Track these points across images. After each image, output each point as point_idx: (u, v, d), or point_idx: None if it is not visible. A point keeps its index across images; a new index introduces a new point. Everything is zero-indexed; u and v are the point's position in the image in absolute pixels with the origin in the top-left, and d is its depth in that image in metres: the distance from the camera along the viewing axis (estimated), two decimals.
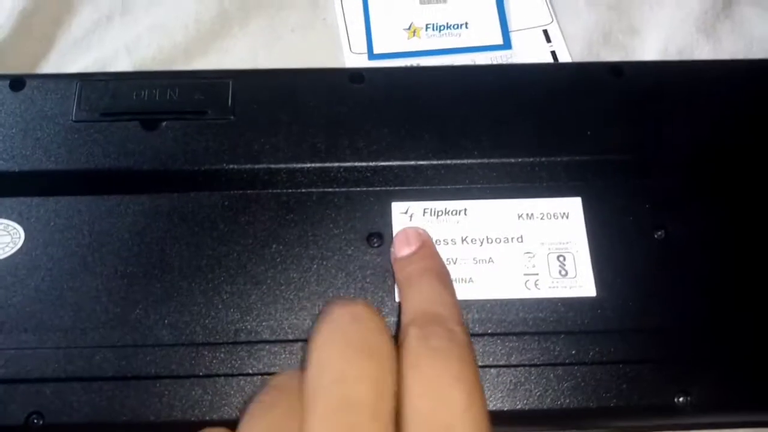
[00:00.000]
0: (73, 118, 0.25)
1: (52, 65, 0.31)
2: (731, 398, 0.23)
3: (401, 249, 0.23)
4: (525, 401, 0.22)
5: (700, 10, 0.31)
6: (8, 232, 0.24)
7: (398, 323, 0.22)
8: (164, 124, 0.25)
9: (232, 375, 0.22)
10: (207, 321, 0.23)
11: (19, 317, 0.23)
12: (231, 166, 0.25)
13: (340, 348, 0.18)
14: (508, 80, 0.27)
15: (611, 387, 0.22)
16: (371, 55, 0.31)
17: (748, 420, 0.24)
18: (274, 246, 0.24)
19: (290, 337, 0.23)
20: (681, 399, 0.22)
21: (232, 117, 0.26)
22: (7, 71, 0.28)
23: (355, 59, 0.31)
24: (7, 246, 0.24)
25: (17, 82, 0.26)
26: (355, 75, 0.26)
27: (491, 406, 0.22)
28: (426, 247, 0.23)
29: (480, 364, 0.23)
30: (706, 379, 0.22)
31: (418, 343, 0.19)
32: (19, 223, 0.24)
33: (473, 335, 0.23)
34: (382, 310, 0.23)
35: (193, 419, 0.22)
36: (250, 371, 0.22)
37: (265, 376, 0.22)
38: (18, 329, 0.23)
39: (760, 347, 0.23)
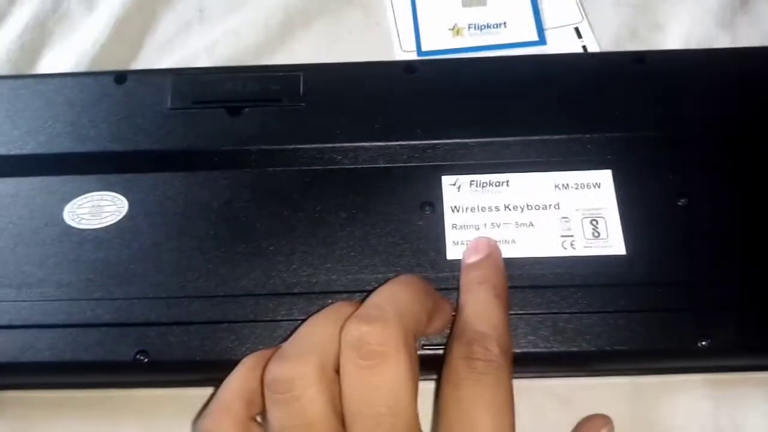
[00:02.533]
0: (169, 106, 0.30)
1: (141, 66, 0.35)
2: (748, 342, 0.25)
3: (469, 256, 0.26)
4: (563, 344, 0.25)
5: (718, 6, 0.34)
6: (114, 203, 0.28)
7: (452, 325, 0.25)
8: (246, 110, 0.29)
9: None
10: (285, 275, 0.27)
11: (125, 273, 0.27)
12: (303, 145, 0.29)
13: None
14: (544, 68, 0.30)
15: (640, 332, 0.25)
16: (420, 53, 0.34)
17: (762, 363, 0.26)
18: (340, 213, 0.28)
19: (356, 288, 0.26)
20: (703, 343, 0.25)
21: (303, 104, 0.30)
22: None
23: (406, 57, 0.34)
24: (113, 214, 0.28)
25: (120, 77, 0.30)
26: (409, 66, 0.30)
27: (533, 349, 0.25)
28: (492, 258, 0.26)
29: (523, 312, 0.26)
30: (725, 326, 0.25)
31: (459, 363, 0.22)
32: (123, 195, 0.29)
33: (517, 288, 0.26)
34: (434, 267, 0.27)
35: None
36: None
37: None
38: (126, 283, 0.27)
39: None
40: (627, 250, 0.27)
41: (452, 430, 0.21)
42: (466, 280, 0.25)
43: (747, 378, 0.27)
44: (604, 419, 0.25)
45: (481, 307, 0.24)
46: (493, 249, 0.26)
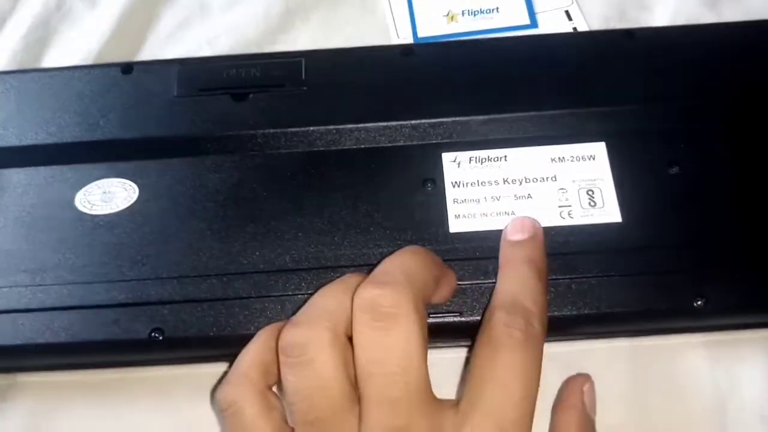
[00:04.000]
0: (175, 94, 0.31)
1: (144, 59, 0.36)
2: (743, 300, 0.26)
3: (513, 233, 0.26)
4: (563, 308, 0.26)
5: None
6: (125, 188, 0.29)
7: (491, 297, 0.25)
8: (250, 96, 0.30)
9: None
10: (294, 252, 0.27)
11: (138, 254, 0.28)
12: (307, 128, 0.30)
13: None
14: (537, 48, 0.31)
15: (637, 294, 0.26)
16: (416, 39, 0.35)
17: (757, 321, 0.27)
18: (345, 191, 0.29)
19: (362, 263, 0.27)
20: (699, 302, 0.26)
21: (305, 88, 0.31)
22: None
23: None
24: (125, 200, 0.29)
25: (127, 68, 0.31)
26: (406, 49, 0.31)
27: None
28: (536, 239, 0.26)
29: None
30: (720, 285, 0.26)
31: (502, 329, 0.22)
32: (134, 181, 0.29)
33: None
34: (437, 240, 0.28)
35: None
36: None
37: None
38: (139, 264, 0.28)
39: (764, 258, 0.27)
40: (622, 217, 0.28)
41: (485, 389, 0.22)
42: (511, 255, 0.26)
43: (745, 338, 0.28)
44: (585, 377, 0.25)
45: (526, 285, 0.24)
46: (538, 231, 0.26)
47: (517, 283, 0.24)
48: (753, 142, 0.29)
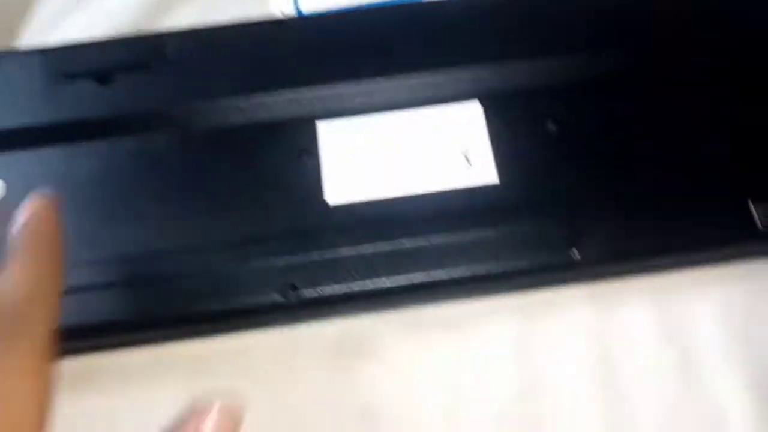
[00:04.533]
0: (40, 83, 0.29)
1: None
2: (616, 249, 0.26)
3: None
4: (444, 272, 0.26)
5: None
6: None
7: None
8: (116, 78, 0.29)
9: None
10: (169, 234, 0.27)
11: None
12: (177, 107, 0.29)
13: None
14: (412, 13, 0.31)
15: (515, 251, 0.26)
16: (299, 14, 0.35)
17: (631, 268, 0.28)
18: (221, 169, 0.28)
19: (240, 240, 0.27)
20: (575, 254, 0.26)
21: (173, 67, 0.30)
22: None
23: None
24: None
25: None
26: (278, 23, 0.31)
27: (421, 280, 0.26)
28: None
29: (409, 246, 0.26)
30: (594, 236, 0.26)
31: None
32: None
33: (397, 222, 0.27)
34: (315, 212, 0.27)
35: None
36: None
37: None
38: None
39: (636, 208, 0.27)
40: (499, 177, 0.28)
41: None
42: None
43: (629, 286, 0.28)
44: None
45: None
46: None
47: None
48: (627, 98, 0.29)
